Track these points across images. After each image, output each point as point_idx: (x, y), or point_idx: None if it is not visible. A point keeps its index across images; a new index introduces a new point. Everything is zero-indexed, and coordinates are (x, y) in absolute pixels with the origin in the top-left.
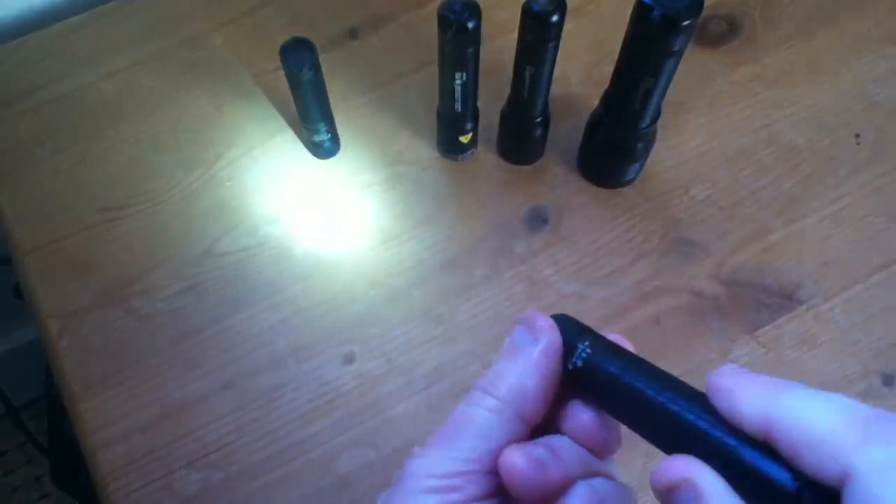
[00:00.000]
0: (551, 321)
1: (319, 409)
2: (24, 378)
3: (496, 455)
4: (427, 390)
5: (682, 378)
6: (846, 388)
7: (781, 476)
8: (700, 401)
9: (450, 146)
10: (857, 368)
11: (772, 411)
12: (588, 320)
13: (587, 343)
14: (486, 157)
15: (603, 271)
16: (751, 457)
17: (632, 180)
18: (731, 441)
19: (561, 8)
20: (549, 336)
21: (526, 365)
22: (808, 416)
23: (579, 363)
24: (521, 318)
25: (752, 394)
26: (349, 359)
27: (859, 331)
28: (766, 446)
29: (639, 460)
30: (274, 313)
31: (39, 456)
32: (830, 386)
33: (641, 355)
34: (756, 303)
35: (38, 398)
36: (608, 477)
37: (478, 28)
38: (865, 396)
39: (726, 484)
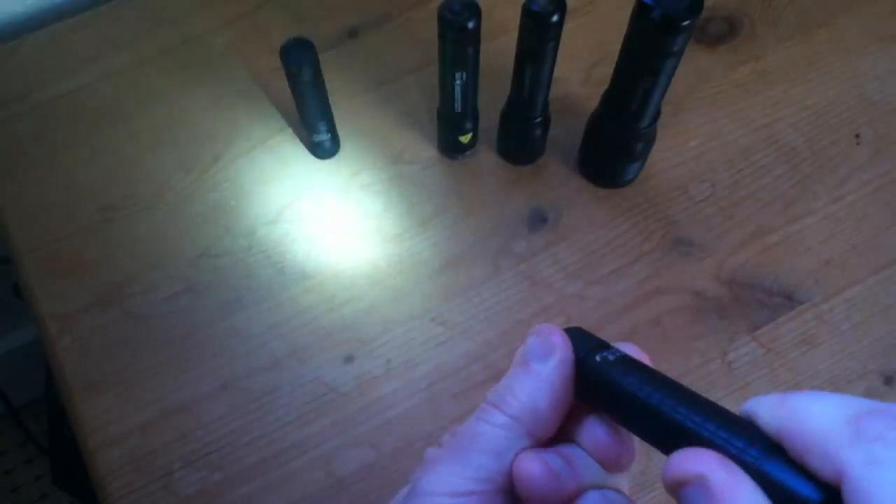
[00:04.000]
0: (565, 337)
1: (319, 410)
2: (24, 378)
3: (507, 473)
4: (427, 390)
5: (682, 377)
6: (846, 388)
7: (804, 488)
8: (720, 414)
9: (450, 146)
10: (857, 368)
11: (782, 418)
12: (588, 320)
13: (604, 355)
14: (486, 157)
15: (603, 271)
16: (772, 468)
17: (632, 180)
18: (752, 452)
19: (561, 8)
20: (562, 353)
21: (537, 382)
22: (807, 417)
23: (595, 375)
24: (536, 331)
25: (765, 402)
26: (349, 359)
27: (859, 331)
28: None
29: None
30: (273, 313)
31: (39, 456)
32: (830, 386)
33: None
34: (756, 303)
35: (38, 398)
36: (617, 490)
37: (478, 28)
38: (865, 396)
39: (745, 478)
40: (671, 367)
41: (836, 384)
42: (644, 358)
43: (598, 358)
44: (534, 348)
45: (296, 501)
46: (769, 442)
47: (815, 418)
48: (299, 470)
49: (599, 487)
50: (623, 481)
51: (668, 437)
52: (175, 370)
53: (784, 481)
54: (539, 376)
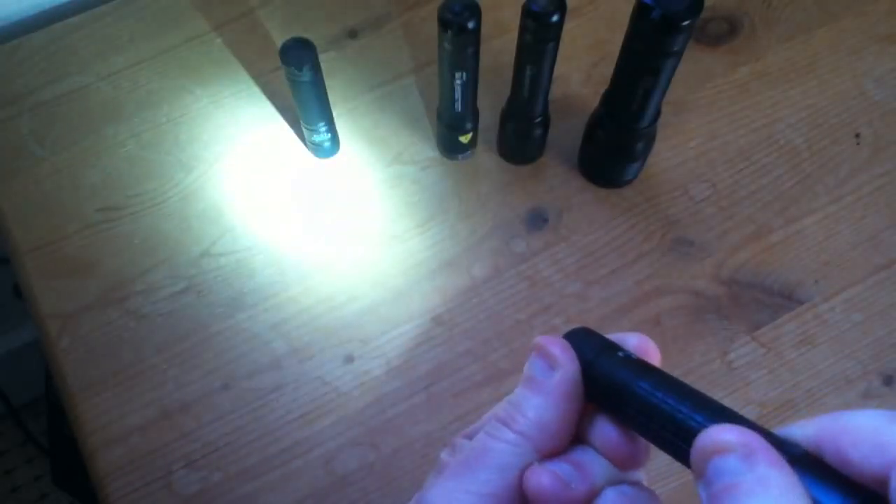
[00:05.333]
0: (567, 347)
1: (319, 409)
2: (24, 378)
3: (513, 489)
4: (427, 390)
5: (682, 377)
6: (846, 388)
7: (829, 499)
8: (734, 419)
9: (450, 146)
10: (857, 368)
11: (822, 421)
12: (588, 320)
13: (612, 357)
14: (486, 157)
15: (603, 271)
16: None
17: (632, 180)
18: None
19: (561, 8)
20: (565, 366)
21: (543, 397)
22: (852, 417)
23: (604, 379)
24: (535, 346)
25: (804, 420)
26: (349, 359)
27: (859, 331)
28: (819, 467)
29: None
30: (274, 313)
31: (39, 456)
32: (830, 386)
33: None
34: (756, 303)
35: (38, 398)
36: (635, 483)
37: (478, 28)
38: (865, 396)
39: (783, 459)
40: (671, 368)
41: (836, 384)
42: (652, 348)
43: (606, 361)
44: (536, 363)
45: (296, 501)
46: (793, 453)
47: (861, 417)
48: (299, 469)
49: (615, 484)
50: (640, 474)
51: (684, 444)
52: (175, 370)
53: (811, 492)
54: (544, 392)
